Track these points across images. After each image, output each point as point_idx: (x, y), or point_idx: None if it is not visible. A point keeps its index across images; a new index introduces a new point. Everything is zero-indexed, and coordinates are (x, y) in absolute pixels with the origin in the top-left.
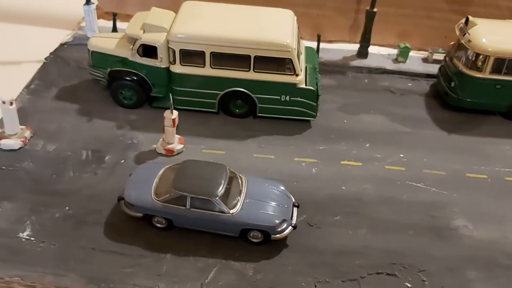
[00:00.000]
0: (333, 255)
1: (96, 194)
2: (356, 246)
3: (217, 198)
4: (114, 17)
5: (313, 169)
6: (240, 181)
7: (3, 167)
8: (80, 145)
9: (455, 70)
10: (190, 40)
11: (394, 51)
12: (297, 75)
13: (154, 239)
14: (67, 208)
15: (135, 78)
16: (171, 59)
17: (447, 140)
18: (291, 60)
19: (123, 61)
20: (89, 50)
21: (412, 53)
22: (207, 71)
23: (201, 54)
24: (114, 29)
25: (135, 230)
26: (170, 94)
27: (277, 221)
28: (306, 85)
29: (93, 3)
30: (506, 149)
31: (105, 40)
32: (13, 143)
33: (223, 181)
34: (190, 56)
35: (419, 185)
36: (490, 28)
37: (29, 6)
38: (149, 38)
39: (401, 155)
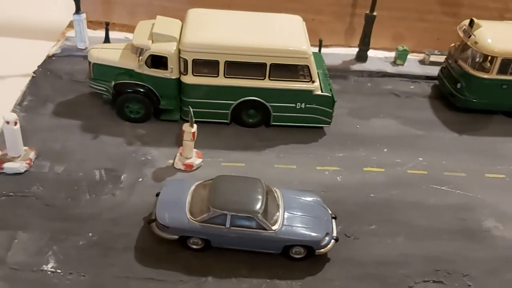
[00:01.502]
0: (377, 266)
1: (119, 217)
2: (397, 254)
3: (259, 214)
4: (107, 26)
5: (338, 178)
6: (276, 195)
7: (11, 194)
8: (91, 165)
9: (461, 72)
10: (204, 49)
11: (390, 54)
12: (313, 81)
13: (192, 261)
14: (90, 234)
15: (143, 90)
16: (182, 70)
17: (459, 141)
18: (308, 66)
19: (129, 73)
20: (90, 62)
21: (408, 56)
22: (221, 80)
23: (215, 63)
24: (107, 39)
25: (170, 253)
26: (190, 106)
27: (321, 236)
28: (322, 91)
29: (83, 13)
30: None
31: (107, 52)
32: (18, 166)
33: (261, 196)
34: (203, 65)
35: (443, 188)
36: (495, 30)
37: (7, 17)
38: (158, 48)
39: (420, 159)
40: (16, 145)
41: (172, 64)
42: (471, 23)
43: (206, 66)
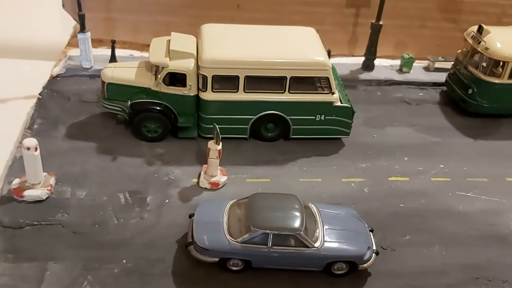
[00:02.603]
0: (417, 277)
1: (152, 241)
2: (435, 264)
3: (301, 232)
4: (113, 44)
5: (365, 189)
6: (312, 211)
7: (35, 222)
8: (113, 188)
9: (472, 78)
10: (224, 65)
11: (394, 62)
12: (333, 93)
13: (232, 284)
14: (124, 261)
15: (160, 109)
16: (201, 86)
17: (476, 146)
18: (328, 78)
19: (146, 91)
20: (103, 82)
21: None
22: (240, 95)
23: (235, 78)
24: (113, 58)
25: (209, 277)
26: (215, 124)
27: (364, 250)
28: (341, 102)
29: (88, 31)
30: None
31: (121, 71)
32: (40, 193)
33: (301, 213)
34: (223, 81)
35: (469, 194)
36: (504, 35)
37: (2, 38)
38: (177, 65)
39: (441, 166)
40: (36, 172)
41: (191, 81)
42: (480, 29)
43: (226, 81)
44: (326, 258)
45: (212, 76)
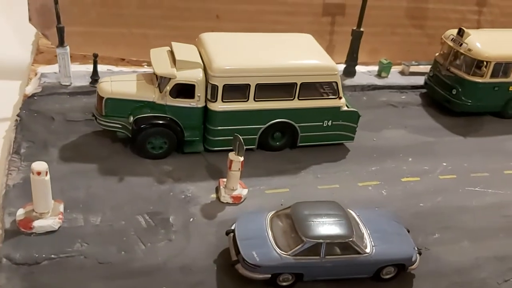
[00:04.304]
0: (458, 274)
1: (187, 264)
2: (469, 259)
3: (353, 239)
4: (95, 59)
5: (383, 191)
6: (353, 216)
7: (53, 256)
8: (129, 211)
9: (456, 78)
10: (236, 73)
11: (370, 68)
12: (340, 98)
13: None
14: None
15: (167, 123)
16: (210, 97)
17: (467, 144)
18: (336, 83)
19: (149, 105)
20: (101, 98)
21: None
22: (251, 105)
23: (245, 87)
24: (95, 73)
25: None
26: (236, 134)
27: (412, 252)
28: (348, 107)
29: (67, 45)
30: None
31: (121, 84)
32: (51, 223)
33: (347, 219)
34: (233, 91)
35: (477, 189)
36: (482, 37)
37: None
38: (185, 76)
39: (444, 164)
40: (46, 199)
41: (199, 91)
42: (460, 32)
43: (236, 91)
44: (378, 263)
45: (223, 86)
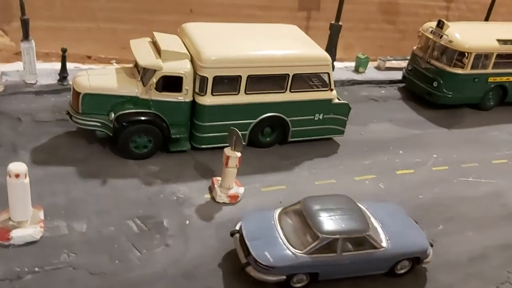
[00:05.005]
0: (470, 265)
1: (189, 270)
2: (477, 248)
3: (369, 232)
4: (64, 54)
5: (380, 185)
6: (364, 210)
7: (37, 269)
8: (117, 215)
9: (436, 71)
10: (227, 64)
11: (347, 64)
12: (331, 89)
13: None
14: None
15: (152, 119)
16: (199, 90)
17: (452, 135)
18: (328, 74)
19: (132, 100)
20: (78, 93)
21: None
22: (241, 98)
23: (236, 79)
24: (63, 69)
25: None
26: (232, 128)
27: (426, 244)
28: (339, 99)
29: (32, 39)
30: (496, 134)
31: (99, 79)
32: (32, 232)
33: (362, 213)
34: (223, 83)
35: (470, 179)
36: (461, 29)
37: None
38: (172, 67)
39: (435, 156)
40: (25, 206)
41: (187, 84)
42: (440, 24)
43: (226, 83)
44: (394, 257)
45: (213, 78)
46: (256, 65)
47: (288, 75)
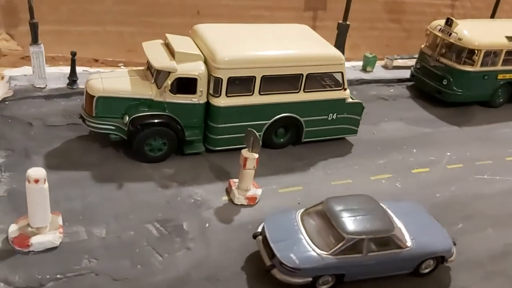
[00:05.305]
0: (491, 263)
1: (213, 274)
2: (499, 246)
3: (395, 232)
4: (73, 57)
5: (397, 184)
6: (386, 209)
7: (59, 276)
8: (136, 220)
9: (446, 68)
10: (242, 64)
11: (354, 63)
12: (345, 89)
13: None
14: None
15: (166, 122)
16: (213, 91)
17: (464, 133)
18: (342, 73)
19: (146, 103)
20: (91, 96)
21: None
22: (256, 99)
23: (250, 80)
24: (73, 73)
25: None
26: (250, 129)
27: (451, 243)
28: (352, 98)
29: (41, 43)
30: (507, 131)
31: (112, 81)
32: (52, 238)
33: (385, 213)
34: (237, 84)
35: (485, 177)
36: (471, 26)
37: None
38: (186, 69)
39: (448, 154)
40: (45, 211)
41: (202, 86)
42: (449, 22)
43: (240, 84)
44: (419, 256)
45: (228, 79)
46: (270, 65)
47: (302, 75)
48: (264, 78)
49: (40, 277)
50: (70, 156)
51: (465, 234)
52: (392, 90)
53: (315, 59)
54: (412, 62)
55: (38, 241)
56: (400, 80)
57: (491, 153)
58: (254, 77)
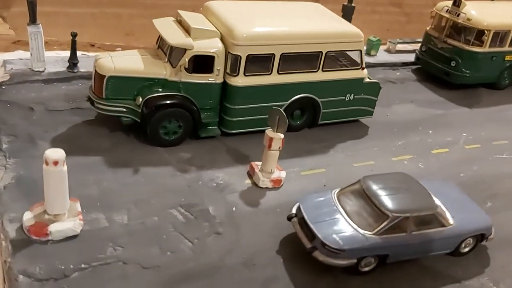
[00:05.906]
0: None
1: (248, 259)
2: None
3: (438, 209)
4: (74, 38)
5: (420, 165)
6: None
7: (84, 266)
8: (159, 204)
9: (454, 50)
10: (261, 41)
11: None
12: (363, 68)
13: None
14: None
15: (181, 103)
16: (231, 70)
17: (475, 114)
18: (360, 51)
19: (160, 82)
20: (102, 76)
21: None
22: (274, 78)
23: (269, 58)
24: (73, 56)
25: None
26: (275, 107)
27: (490, 221)
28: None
29: (39, 23)
30: None
31: (124, 60)
32: (72, 225)
33: (426, 191)
34: (256, 62)
35: (504, 156)
36: (478, 7)
37: None
38: (203, 46)
39: (464, 134)
40: (63, 197)
41: (219, 64)
42: (456, 2)
43: (259, 62)
44: (462, 234)
45: (247, 56)
46: (290, 43)
47: (321, 52)
48: (284, 56)
49: (63, 267)
50: (78, 141)
51: (495, 213)
52: (398, 74)
53: (334, 36)
54: (412, 46)
55: (57, 229)
56: (404, 64)
57: (506, 133)
58: (273, 54)
